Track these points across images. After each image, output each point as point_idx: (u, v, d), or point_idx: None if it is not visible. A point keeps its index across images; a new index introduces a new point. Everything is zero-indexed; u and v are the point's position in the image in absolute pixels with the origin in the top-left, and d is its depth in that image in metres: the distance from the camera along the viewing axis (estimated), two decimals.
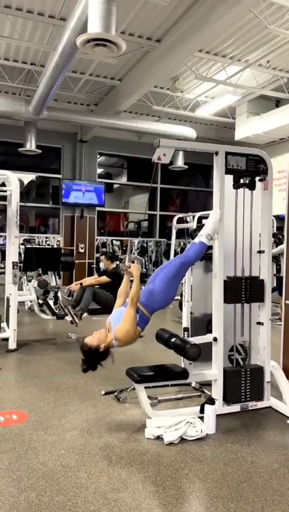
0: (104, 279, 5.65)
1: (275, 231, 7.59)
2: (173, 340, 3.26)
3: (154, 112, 9.96)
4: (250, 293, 3.31)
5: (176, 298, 7.88)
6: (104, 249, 11.76)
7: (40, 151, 9.83)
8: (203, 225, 3.38)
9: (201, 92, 9.03)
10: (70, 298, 5.60)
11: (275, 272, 7.70)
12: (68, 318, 5.42)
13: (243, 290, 3.29)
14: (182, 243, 10.60)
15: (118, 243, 12.59)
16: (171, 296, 3.23)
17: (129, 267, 3.19)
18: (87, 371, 2.98)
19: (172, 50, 6.52)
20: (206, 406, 2.98)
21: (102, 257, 6.13)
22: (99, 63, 7.78)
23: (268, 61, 7.61)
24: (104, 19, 4.40)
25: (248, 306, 3.41)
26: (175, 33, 6.44)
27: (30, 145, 9.55)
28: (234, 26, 6.36)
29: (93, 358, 2.93)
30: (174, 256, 9.46)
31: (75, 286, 5.59)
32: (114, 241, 12.55)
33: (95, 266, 11.06)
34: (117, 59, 7.17)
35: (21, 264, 5.96)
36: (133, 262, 3.25)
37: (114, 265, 6.07)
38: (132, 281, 3.13)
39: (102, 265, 6.18)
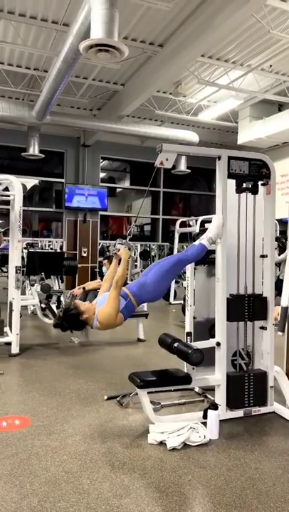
0: None
1: (278, 235, 7.58)
2: (176, 345, 3.25)
3: (156, 116, 10.00)
4: (254, 311, 3.30)
5: (179, 302, 7.86)
6: (107, 253, 11.78)
7: (43, 156, 9.88)
8: (206, 229, 3.38)
9: (204, 97, 9.06)
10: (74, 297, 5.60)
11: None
12: None
13: (246, 308, 3.28)
14: (185, 247, 10.60)
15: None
16: (161, 290, 3.19)
17: (119, 250, 3.16)
18: (57, 327, 3.00)
19: (175, 55, 6.55)
20: (209, 411, 2.96)
21: (105, 261, 6.14)
22: (102, 68, 7.82)
23: (271, 65, 7.64)
24: (107, 25, 4.43)
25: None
26: (177, 38, 6.47)
27: (34, 149, 9.60)
28: (237, 31, 6.39)
29: (71, 319, 2.94)
30: None
31: (77, 290, 5.59)
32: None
33: (97, 270, 11.07)
34: (119, 64, 7.22)
35: (24, 269, 5.98)
36: (128, 248, 3.22)
37: None
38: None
39: (104, 269, 6.18)
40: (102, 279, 5.94)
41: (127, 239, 3.27)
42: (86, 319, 2.95)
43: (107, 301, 2.93)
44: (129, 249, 3.21)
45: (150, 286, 3.12)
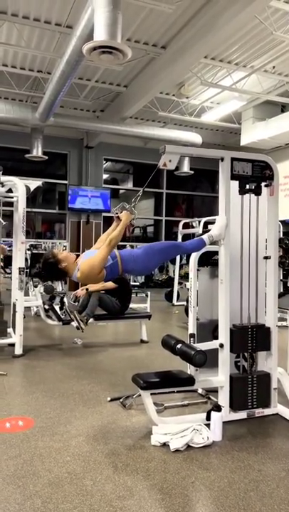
0: (110, 284, 5.65)
1: (281, 236, 7.57)
2: (179, 346, 3.25)
3: (159, 117, 10.01)
4: (257, 342, 3.29)
5: (182, 303, 7.85)
6: None
7: (46, 157, 9.90)
8: (209, 230, 3.38)
9: (207, 98, 9.07)
10: (76, 303, 5.61)
11: (282, 277, 7.67)
12: (74, 323, 5.42)
13: (249, 340, 3.27)
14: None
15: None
16: (149, 266, 3.18)
17: (121, 212, 3.14)
18: (36, 276, 3.02)
19: (178, 56, 6.56)
20: (213, 413, 2.96)
21: None
22: (105, 70, 7.84)
23: (274, 67, 7.63)
24: (110, 27, 4.44)
25: (254, 311, 3.40)
26: (180, 39, 6.48)
27: (37, 151, 9.62)
28: (239, 33, 6.39)
29: (49, 268, 2.93)
30: (180, 261, 9.47)
31: (81, 291, 5.60)
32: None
33: None
34: (122, 66, 7.23)
35: (28, 270, 5.99)
36: (126, 209, 3.20)
37: None
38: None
39: None
40: (104, 281, 5.95)
41: (132, 204, 3.25)
42: (65, 268, 2.92)
43: (96, 254, 2.91)
44: (132, 213, 3.17)
45: (139, 258, 3.09)
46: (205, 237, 3.25)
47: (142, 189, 3.34)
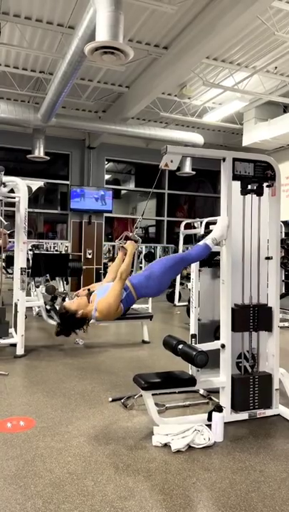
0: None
1: (283, 237, 7.56)
2: (180, 346, 3.24)
3: (161, 118, 10.02)
4: (258, 321, 3.29)
5: (184, 304, 7.85)
6: (111, 255, 11.80)
7: (48, 158, 9.92)
8: (211, 230, 3.38)
9: (209, 99, 9.07)
10: None
11: (283, 278, 7.66)
12: None
13: (251, 318, 3.27)
14: (190, 248, 10.59)
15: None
16: (162, 287, 3.15)
17: (125, 243, 3.14)
18: (59, 335, 2.98)
19: (180, 57, 6.56)
20: (214, 413, 2.95)
21: (110, 263, 6.14)
22: (107, 70, 7.85)
23: (276, 67, 7.63)
24: (112, 27, 4.44)
25: (256, 311, 3.39)
26: (182, 40, 6.48)
27: (39, 152, 9.64)
28: (242, 33, 6.39)
29: (68, 322, 2.92)
30: None
31: (82, 292, 5.59)
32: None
33: (102, 272, 11.08)
34: (124, 66, 7.24)
35: (29, 270, 6.00)
36: (130, 238, 3.21)
37: None
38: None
39: None
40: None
41: (134, 232, 3.26)
42: (82, 315, 2.92)
43: (110, 291, 2.90)
44: (136, 241, 3.19)
45: (152, 281, 3.08)
46: (208, 241, 3.22)
47: (140, 216, 3.37)
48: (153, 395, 3.09)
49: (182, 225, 9.60)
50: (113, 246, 12.35)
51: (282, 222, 6.96)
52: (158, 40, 6.81)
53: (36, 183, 6.43)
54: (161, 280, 3.09)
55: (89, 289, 5.62)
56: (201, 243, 3.26)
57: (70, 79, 6.47)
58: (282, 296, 4.24)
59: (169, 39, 6.76)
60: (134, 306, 7.27)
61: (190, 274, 4.03)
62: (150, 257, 12.03)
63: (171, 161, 3.08)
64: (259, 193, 3.33)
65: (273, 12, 5.79)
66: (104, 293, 2.94)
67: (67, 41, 6.23)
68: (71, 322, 2.92)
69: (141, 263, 11.46)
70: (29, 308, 6.96)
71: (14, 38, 6.77)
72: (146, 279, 3.07)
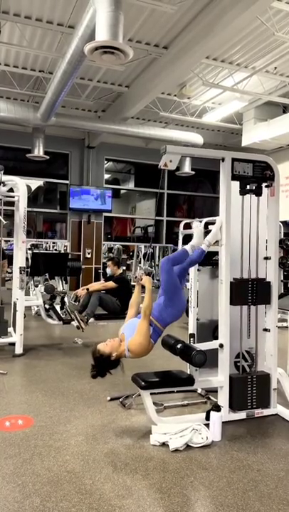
0: (111, 284, 5.65)
1: (282, 237, 7.56)
2: (179, 346, 3.25)
3: (161, 118, 10.02)
4: (257, 295, 3.29)
5: None
6: (111, 255, 11.80)
7: (48, 157, 9.91)
8: (210, 230, 3.39)
9: (208, 99, 9.07)
10: (77, 303, 5.62)
11: (282, 278, 7.66)
12: (74, 323, 5.42)
13: (249, 292, 3.27)
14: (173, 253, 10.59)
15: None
16: (179, 307, 3.19)
17: (141, 279, 3.23)
18: (96, 377, 3.00)
19: (179, 56, 6.56)
20: (212, 413, 2.96)
21: (110, 263, 6.14)
22: (107, 70, 7.84)
23: (275, 67, 7.63)
24: (112, 27, 4.44)
25: (254, 311, 3.40)
26: (182, 40, 6.48)
27: (38, 151, 9.64)
28: (241, 33, 6.39)
29: (104, 365, 2.96)
30: None
31: (81, 291, 5.61)
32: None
33: (101, 271, 11.09)
34: (124, 66, 7.23)
35: (28, 269, 5.99)
36: (146, 274, 3.28)
37: (120, 270, 6.07)
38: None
39: (108, 270, 6.18)
40: (105, 280, 5.96)
41: (145, 266, 3.34)
42: (117, 356, 2.97)
43: (138, 331, 2.98)
44: (149, 274, 3.27)
45: (169, 308, 3.14)
46: (204, 246, 3.31)
47: (150, 244, 3.40)
48: (151, 394, 3.10)
49: (181, 224, 9.60)
50: (111, 248, 12.36)
51: (282, 222, 6.97)
52: (158, 39, 6.81)
53: (36, 183, 6.43)
54: (175, 302, 3.15)
55: (88, 289, 5.65)
56: (188, 247, 3.32)
57: (70, 78, 6.47)
58: (280, 296, 4.24)
59: (168, 39, 6.76)
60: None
61: (189, 274, 4.04)
62: (150, 257, 12.04)
63: (171, 161, 3.08)
64: (258, 193, 3.34)
65: (273, 12, 5.79)
66: (132, 331, 3.00)
67: (67, 41, 6.22)
68: (106, 364, 2.97)
69: (140, 262, 11.47)
70: (28, 308, 6.97)
71: (14, 37, 6.77)
72: (165, 307, 3.13)
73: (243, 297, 3.26)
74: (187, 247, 3.33)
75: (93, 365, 2.98)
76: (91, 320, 5.48)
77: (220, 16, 5.46)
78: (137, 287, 3.35)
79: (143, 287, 3.21)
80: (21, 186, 5.05)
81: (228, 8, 5.26)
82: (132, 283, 10.84)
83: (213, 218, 8.39)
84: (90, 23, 4.86)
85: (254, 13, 5.32)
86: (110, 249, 12.31)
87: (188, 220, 9.84)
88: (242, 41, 6.74)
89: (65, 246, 11.19)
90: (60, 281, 7.60)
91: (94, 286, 5.83)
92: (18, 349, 4.92)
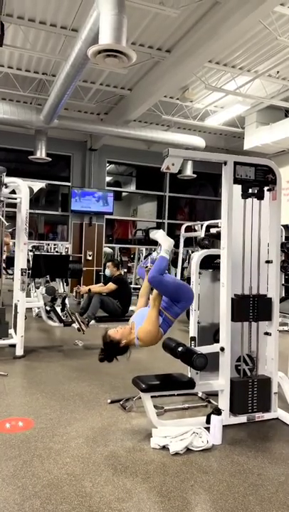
0: (111, 286, 5.66)
1: (283, 241, 7.55)
2: (180, 349, 3.25)
3: (163, 121, 10.04)
4: (258, 311, 3.30)
5: None
6: (109, 250, 11.74)
7: (50, 159, 9.94)
8: (212, 233, 3.40)
9: (211, 102, 9.08)
10: (78, 299, 5.64)
11: (284, 282, 7.65)
12: (75, 325, 5.43)
13: (250, 308, 3.28)
14: (190, 251, 10.61)
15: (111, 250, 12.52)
16: (188, 297, 3.20)
17: (148, 269, 3.25)
18: (103, 361, 3.06)
19: (182, 60, 6.58)
20: (213, 416, 2.96)
21: (109, 264, 6.15)
22: (109, 73, 7.87)
23: (278, 71, 7.65)
24: (115, 30, 4.46)
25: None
26: (185, 43, 6.50)
27: (41, 153, 9.66)
28: (244, 37, 6.41)
29: (112, 350, 3.04)
30: (182, 264, 9.45)
31: (83, 289, 5.66)
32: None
33: (102, 273, 11.09)
34: (127, 69, 7.26)
35: (30, 271, 6.00)
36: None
37: (119, 272, 6.08)
38: None
39: (107, 272, 6.20)
40: (104, 283, 5.97)
41: (156, 255, 3.33)
42: (125, 344, 3.04)
43: (147, 319, 3.03)
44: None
45: (177, 304, 3.14)
46: (164, 254, 3.19)
47: (158, 245, 3.36)
48: (152, 397, 3.10)
49: (183, 227, 9.61)
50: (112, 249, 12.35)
51: (283, 226, 6.96)
52: (161, 43, 6.83)
53: (38, 184, 6.44)
54: (184, 297, 3.16)
55: (89, 290, 5.65)
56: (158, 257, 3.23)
57: (73, 81, 6.49)
58: (281, 300, 4.25)
59: (171, 42, 6.78)
60: (135, 308, 7.28)
61: (190, 277, 4.04)
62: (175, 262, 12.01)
63: (173, 164, 3.09)
64: (260, 196, 3.34)
65: (276, 17, 5.81)
66: (141, 319, 3.06)
67: (70, 43, 6.24)
68: (115, 350, 3.04)
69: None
70: (29, 309, 6.97)
71: (17, 39, 6.79)
72: (173, 302, 3.15)
73: (244, 314, 3.27)
74: (163, 253, 3.21)
75: (102, 349, 3.05)
76: (92, 322, 5.49)
77: (223, 20, 5.48)
78: (146, 278, 3.36)
79: None
80: (23, 188, 5.06)
81: (231, 12, 5.28)
82: (133, 285, 10.87)
83: (215, 221, 8.40)
84: (94, 26, 4.87)
85: (257, 18, 5.33)
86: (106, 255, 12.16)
87: (189, 223, 9.86)
88: (245, 45, 6.75)
89: (66, 248, 11.19)
90: (61, 283, 7.60)
91: (94, 288, 5.84)
92: (19, 351, 4.92)
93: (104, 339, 3.05)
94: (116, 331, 3.06)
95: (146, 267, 3.28)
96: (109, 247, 12.37)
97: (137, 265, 11.60)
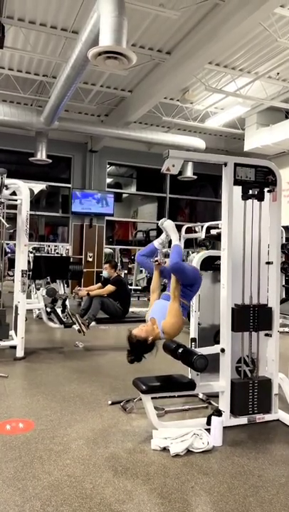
0: (110, 288, 5.66)
1: (284, 242, 7.56)
2: (180, 350, 3.24)
3: (163, 122, 10.05)
4: (259, 321, 3.30)
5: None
6: (109, 251, 11.75)
7: (50, 161, 9.95)
8: (212, 235, 3.40)
9: (211, 104, 9.10)
10: (80, 300, 5.65)
11: (284, 283, 7.65)
12: (76, 326, 5.43)
13: (251, 318, 3.28)
14: (190, 253, 10.61)
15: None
16: (197, 279, 3.28)
17: (165, 262, 3.29)
18: (133, 362, 3.08)
19: (182, 62, 6.59)
20: (213, 418, 2.95)
21: (107, 265, 6.16)
22: (110, 75, 7.88)
23: (278, 73, 7.67)
24: (115, 32, 4.47)
25: (256, 311, 3.39)
26: (185, 45, 6.52)
27: (41, 155, 9.68)
28: (244, 39, 6.42)
29: (140, 349, 3.04)
30: None
31: (81, 292, 5.67)
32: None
33: (102, 275, 11.10)
34: (127, 71, 7.27)
35: (30, 273, 6.00)
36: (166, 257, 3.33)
37: (117, 273, 6.09)
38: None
39: (105, 273, 6.20)
40: (103, 285, 5.96)
41: (165, 249, 3.40)
42: (152, 340, 3.05)
43: (171, 312, 3.06)
44: (165, 256, 3.37)
45: (190, 288, 3.21)
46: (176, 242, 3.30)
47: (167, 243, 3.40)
48: (152, 398, 3.09)
49: (183, 229, 9.61)
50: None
51: (283, 227, 6.96)
52: (161, 45, 6.84)
53: (38, 186, 6.44)
54: (196, 281, 3.26)
55: (88, 293, 5.65)
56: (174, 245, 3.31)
57: (73, 83, 6.50)
58: (282, 301, 4.24)
59: (171, 44, 6.80)
60: (135, 309, 7.28)
61: None
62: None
63: (173, 166, 3.09)
64: (260, 198, 3.34)
65: (276, 19, 5.82)
66: (162, 314, 3.09)
67: (70, 45, 6.26)
68: (143, 349, 3.05)
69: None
70: (29, 311, 6.97)
71: (18, 41, 6.81)
72: (186, 288, 3.18)
73: (245, 324, 3.27)
74: (176, 242, 3.31)
75: (129, 350, 3.07)
76: (92, 324, 5.49)
77: (223, 21, 5.49)
78: (156, 272, 3.38)
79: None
80: (24, 190, 5.06)
81: (231, 14, 5.29)
82: (133, 286, 10.86)
83: (215, 222, 8.39)
84: (94, 28, 4.89)
85: (257, 19, 5.35)
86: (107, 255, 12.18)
87: (190, 225, 9.86)
88: (245, 47, 6.77)
89: (66, 249, 11.20)
90: (62, 285, 7.60)
91: (94, 290, 5.82)
92: (20, 352, 4.92)
93: (131, 339, 3.04)
94: (140, 329, 3.07)
95: (156, 261, 3.28)
96: (109, 248, 12.39)
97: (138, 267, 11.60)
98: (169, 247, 3.32)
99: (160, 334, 3.06)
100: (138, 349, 3.04)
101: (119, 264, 10.60)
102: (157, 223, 13.49)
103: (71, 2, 5.75)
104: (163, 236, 3.45)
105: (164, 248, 3.41)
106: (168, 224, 3.39)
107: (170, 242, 3.36)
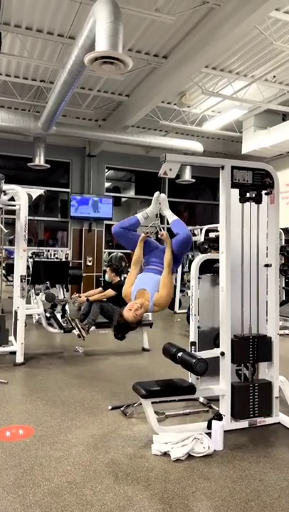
0: (110, 292, 5.65)
1: (283, 244, 7.56)
2: (180, 354, 3.23)
3: (161, 126, 10.09)
4: (258, 353, 3.28)
5: (184, 311, 7.81)
6: (111, 253, 11.71)
7: (48, 166, 9.96)
8: (211, 238, 3.41)
9: (208, 107, 9.13)
10: (78, 305, 5.65)
11: (284, 285, 7.65)
12: (76, 331, 5.41)
13: (250, 350, 3.26)
14: (190, 255, 10.61)
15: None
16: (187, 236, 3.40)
17: (162, 234, 3.38)
18: (120, 340, 3.22)
19: (179, 66, 6.62)
20: (214, 422, 2.94)
21: (108, 269, 6.15)
22: (107, 79, 7.91)
23: (274, 76, 7.70)
24: (111, 37, 4.49)
25: (255, 320, 3.39)
26: (182, 49, 6.55)
27: (39, 160, 9.70)
28: (240, 42, 6.45)
29: (127, 329, 3.16)
30: (182, 268, 9.45)
31: (80, 299, 5.65)
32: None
33: (102, 279, 11.08)
34: (124, 75, 7.30)
35: (29, 278, 6.00)
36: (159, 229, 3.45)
37: (119, 278, 6.08)
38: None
39: (107, 277, 6.19)
40: (104, 289, 5.95)
41: (158, 221, 3.50)
42: (140, 316, 3.13)
43: (166, 284, 3.15)
44: (160, 229, 3.49)
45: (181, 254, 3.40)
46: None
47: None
48: (153, 403, 3.08)
49: None
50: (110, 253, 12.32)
51: (283, 229, 6.97)
52: (157, 49, 6.87)
53: (36, 191, 6.46)
54: (187, 249, 3.48)
55: (88, 299, 5.65)
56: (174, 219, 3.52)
57: (71, 88, 6.52)
58: (282, 304, 4.24)
59: (168, 48, 6.83)
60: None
61: (190, 282, 4.03)
62: None
63: (170, 169, 3.10)
64: (258, 200, 3.34)
65: (271, 22, 5.85)
66: (154, 286, 3.16)
67: (67, 51, 6.29)
68: (129, 329, 3.16)
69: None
70: (29, 316, 6.95)
71: (15, 47, 6.84)
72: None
73: (244, 356, 3.25)
74: (174, 217, 3.53)
75: (116, 328, 3.18)
76: (92, 328, 5.47)
77: (219, 25, 5.52)
78: (139, 244, 3.42)
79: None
80: (22, 195, 5.07)
81: (227, 18, 5.32)
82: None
83: (214, 225, 8.39)
84: (90, 33, 4.91)
85: (252, 23, 5.37)
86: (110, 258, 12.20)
87: (189, 227, 9.85)
88: (241, 50, 6.80)
89: (66, 254, 11.19)
90: (61, 290, 7.60)
91: (93, 295, 5.81)
92: (19, 358, 4.91)
93: (119, 320, 3.11)
94: (128, 311, 3.09)
95: (147, 232, 3.37)
96: (109, 252, 12.37)
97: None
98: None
99: (150, 307, 3.12)
100: (125, 329, 3.16)
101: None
102: (156, 226, 13.45)
103: (67, 8, 5.78)
104: (149, 210, 3.51)
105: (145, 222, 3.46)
106: (165, 197, 3.45)
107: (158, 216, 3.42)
